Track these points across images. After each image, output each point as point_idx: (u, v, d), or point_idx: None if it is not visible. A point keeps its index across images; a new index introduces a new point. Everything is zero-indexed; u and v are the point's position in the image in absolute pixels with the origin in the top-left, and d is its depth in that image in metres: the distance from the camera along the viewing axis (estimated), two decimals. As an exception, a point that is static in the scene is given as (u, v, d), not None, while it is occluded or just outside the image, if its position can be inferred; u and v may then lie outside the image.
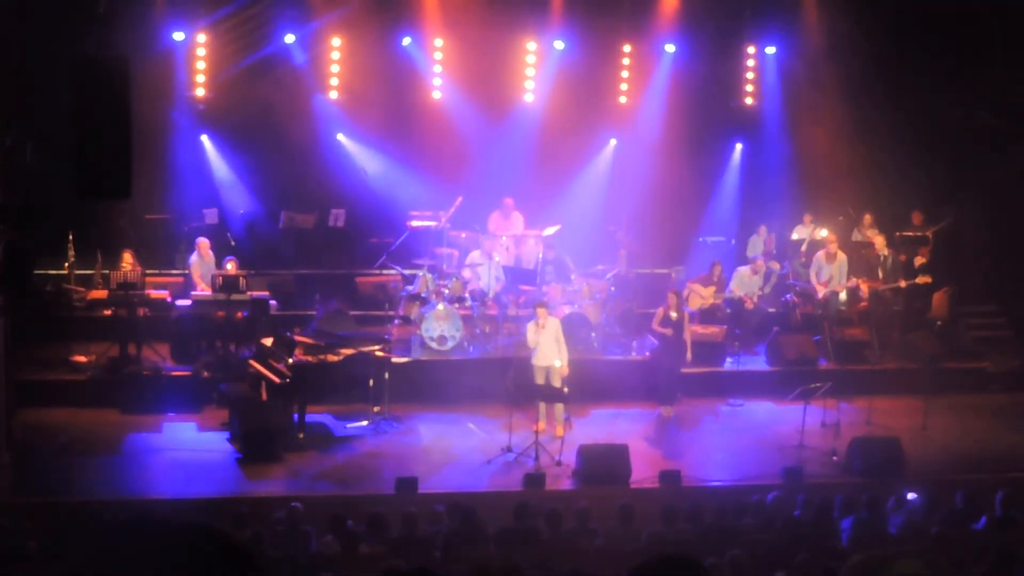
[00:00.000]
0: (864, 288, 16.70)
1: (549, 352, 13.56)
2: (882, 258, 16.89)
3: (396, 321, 15.64)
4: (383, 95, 18.29)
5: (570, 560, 8.68)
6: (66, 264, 15.72)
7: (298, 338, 13.61)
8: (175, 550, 1.81)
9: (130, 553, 1.80)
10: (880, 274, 16.77)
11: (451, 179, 17.79)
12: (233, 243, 16.78)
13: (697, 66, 18.94)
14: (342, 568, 8.59)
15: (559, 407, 13.63)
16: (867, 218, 18.17)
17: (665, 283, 17.08)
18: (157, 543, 1.82)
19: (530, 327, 13.65)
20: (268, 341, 13.92)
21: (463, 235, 17.16)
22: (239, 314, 14.94)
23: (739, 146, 19.65)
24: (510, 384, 13.16)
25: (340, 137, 18.41)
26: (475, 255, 16.54)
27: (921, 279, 16.61)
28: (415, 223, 17.16)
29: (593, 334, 15.68)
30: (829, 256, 16.75)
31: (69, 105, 9.37)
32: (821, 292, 16.66)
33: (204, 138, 17.94)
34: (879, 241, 17.02)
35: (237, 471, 12.35)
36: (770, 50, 19.39)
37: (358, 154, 18.31)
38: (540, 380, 13.56)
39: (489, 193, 17.67)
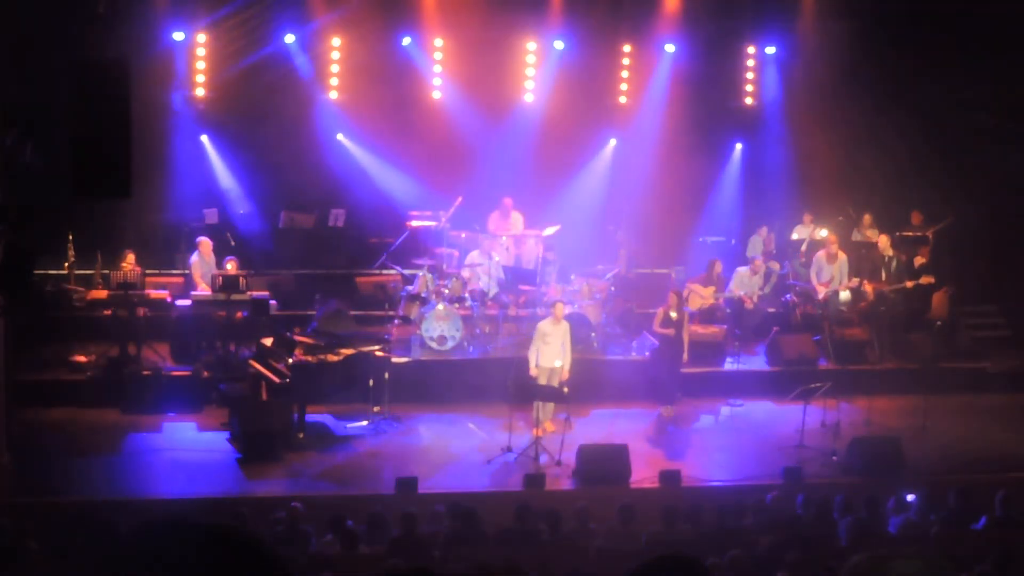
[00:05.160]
0: (868, 288, 16.69)
1: (555, 352, 13.56)
2: (886, 259, 16.87)
3: (396, 321, 15.64)
4: (383, 95, 18.27)
5: (570, 560, 8.69)
6: (66, 264, 15.69)
7: (298, 338, 13.62)
8: (201, 552, 1.77)
9: (154, 555, 1.76)
10: (884, 275, 16.77)
11: (451, 179, 17.78)
12: (233, 243, 16.77)
13: (697, 66, 18.92)
14: (342, 568, 8.59)
15: (551, 404, 13.62)
16: (867, 218, 18.16)
17: (665, 283, 17.09)
18: (182, 545, 1.78)
19: (546, 322, 13.68)
20: (268, 341, 13.93)
21: (463, 235, 17.16)
22: (239, 314, 14.95)
23: (739, 146, 19.63)
24: (510, 384, 13.15)
25: (340, 137, 18.41)
26: (475, 255, 16.54)
27: (925, 279, 16.62)
28: (415, 223, 17.15)
29: (593, 334, 15.67)
30: (830, 256, 16.75)
31: (69, 105, 9.35)
32: (821, 292, 16.66)
33: (204, 138, 17.92)
34: (883, 241, 17.00)
35: (237, 471, 12.35)
36: (770, 50, 19.38)
37: (358, 156, 18.32)
38: (542, 381, 13.55)
39: (489, 193, 17.65)
